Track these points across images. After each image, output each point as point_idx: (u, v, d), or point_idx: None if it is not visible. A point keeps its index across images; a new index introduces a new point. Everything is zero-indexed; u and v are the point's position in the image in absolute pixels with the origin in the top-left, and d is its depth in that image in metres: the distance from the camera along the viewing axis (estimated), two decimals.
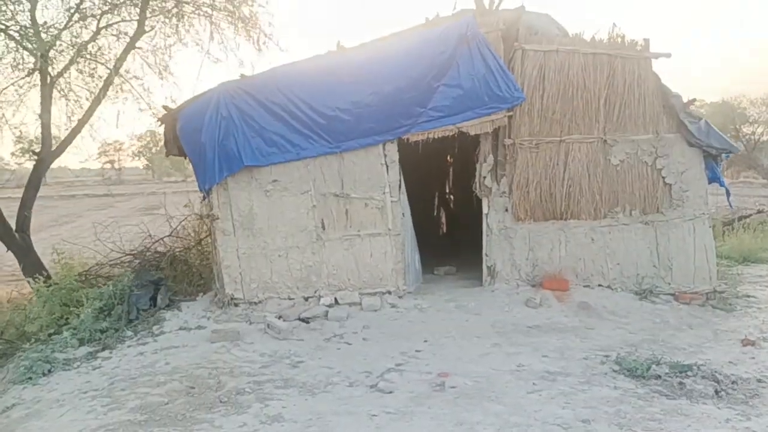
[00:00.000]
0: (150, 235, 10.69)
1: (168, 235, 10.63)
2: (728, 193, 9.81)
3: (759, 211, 16.98)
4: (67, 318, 8.64)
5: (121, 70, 11.46)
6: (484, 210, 9.43)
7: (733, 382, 6.11)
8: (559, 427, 5.11)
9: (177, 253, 10.05)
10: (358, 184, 8.92)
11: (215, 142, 8.44)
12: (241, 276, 8.79)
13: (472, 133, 9.03)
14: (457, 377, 6.27)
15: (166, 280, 9.25)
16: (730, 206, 11.06)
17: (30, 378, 6.82)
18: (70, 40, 11.00)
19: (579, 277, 9.30)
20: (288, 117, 8.63)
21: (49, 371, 7.02)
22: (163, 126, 9.16)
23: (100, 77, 11.50)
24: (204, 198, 8.76)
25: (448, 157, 14.97)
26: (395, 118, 8.82)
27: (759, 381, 6.20)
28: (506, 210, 9.34)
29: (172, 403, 5.82)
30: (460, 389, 5.99)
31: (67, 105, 11.57)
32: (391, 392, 5.96)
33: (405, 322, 8.34)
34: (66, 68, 11.24)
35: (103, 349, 7.63)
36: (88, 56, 11.27)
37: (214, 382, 6.33)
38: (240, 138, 8.55)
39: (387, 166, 8.96)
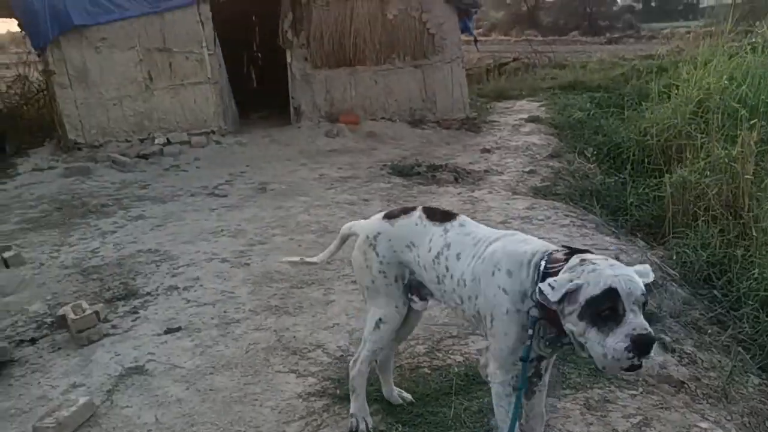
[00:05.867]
0: None
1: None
2: (476, 41, 12.46)
3: (515, 59, 20.23)
4: None
5: None
6: (288, 60, 11.28)
7: (468, 173, 8.80)
8: (348, 204, 7.43)
9: (13, 109, 10.95)
10: (179, 40, 10.32)
11: (44, 3, 9.36)
12: (81, 123, 10.05)
13: None
14: (274, 184, 8.41)
15: (7, 135, 10.26)
16: (477, 49, 13.81)
17: None
18: None
19: (367, 113, 11.61)
20: None
21: None
22: None
23: None
24: (39, 56, 9.73)
25: (255, 18, 16.27)
26: None
27: (486, 172, 8.92)
28: (306, 59, 11.25)
29: (49, 216, 7.39)
30: (278, 190, 8.13)
31: None
32: (225, 195, 7.96)
33: (229, 153, 10.24)
34: None
35: None
36: None
37: (78, 203, 7.90)
38: None
39: (203, 24, 10.39)
